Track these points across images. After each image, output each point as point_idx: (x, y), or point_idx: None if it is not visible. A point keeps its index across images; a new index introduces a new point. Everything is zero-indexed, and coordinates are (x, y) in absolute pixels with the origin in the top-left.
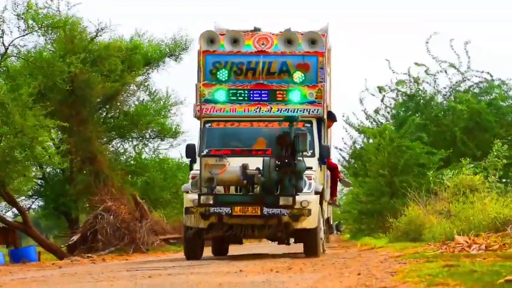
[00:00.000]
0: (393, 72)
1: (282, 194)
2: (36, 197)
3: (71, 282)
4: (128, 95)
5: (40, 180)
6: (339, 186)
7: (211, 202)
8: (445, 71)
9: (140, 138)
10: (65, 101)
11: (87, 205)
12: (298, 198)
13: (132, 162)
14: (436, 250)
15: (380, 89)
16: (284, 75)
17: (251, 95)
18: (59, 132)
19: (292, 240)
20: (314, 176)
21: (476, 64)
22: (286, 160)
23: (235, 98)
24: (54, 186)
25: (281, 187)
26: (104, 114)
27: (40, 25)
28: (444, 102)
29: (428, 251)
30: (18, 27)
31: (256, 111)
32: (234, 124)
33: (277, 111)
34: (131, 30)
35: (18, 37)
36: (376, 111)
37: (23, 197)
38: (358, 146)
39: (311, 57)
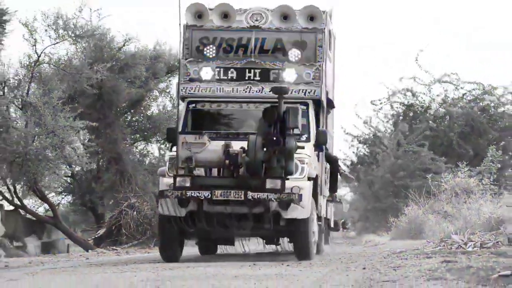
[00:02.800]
0: (387, 88)
1: (269, 176)
2: (65, 193)
3: (97, 272)
4: (151, 100)
5: (69, 178)
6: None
7: (188, 184)
8: (439, 81)
9: (162, 141)
10: (94, 105)
11: (112, 201)
12: (288, 183)
13: (154, 162)
14: (435, 247)
15: (372, 102)
16: (278, 53)
17: (241, 74)
18: (88, 134)
19: (282, 240)
20: (308, 160)
21: (469, 72)
22: (274, 138)
23: (223, 77)
24: (82, 183)
25: (268, 169)
26: (129, 117)
27: (70, 35)
28: (440, 109)
29: (427, 248)
30: (49, 36)
31: (246, 91)
32: (221, 105)
33: (270, 91)
34: (153, 38)
35: (49, 46)
36: (368, 121)
37: (53, 193)
38: (361, 153)
39: (309, 33)
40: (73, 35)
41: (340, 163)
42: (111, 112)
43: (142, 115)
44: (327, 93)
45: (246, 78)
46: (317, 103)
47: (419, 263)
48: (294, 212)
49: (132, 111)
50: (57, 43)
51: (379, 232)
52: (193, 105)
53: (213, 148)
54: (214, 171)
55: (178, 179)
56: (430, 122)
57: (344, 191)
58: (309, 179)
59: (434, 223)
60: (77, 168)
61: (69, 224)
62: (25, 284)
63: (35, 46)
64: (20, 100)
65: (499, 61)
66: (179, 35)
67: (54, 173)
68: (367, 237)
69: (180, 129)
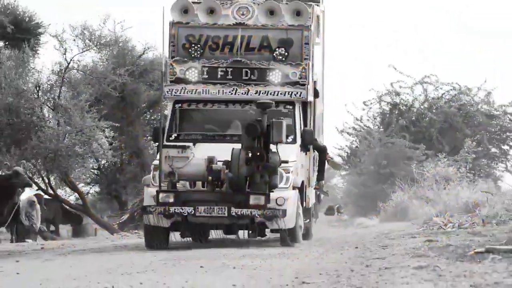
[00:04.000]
0: (375, 91)
1: (253, 192)
2: (93, 184)
3: (122, 253)
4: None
5: (96, 170)
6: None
7: (171, 200)
8: (420, 83)
9: None
10: (117, 106)
11: (134, 190)
12: (273, 195)
13: None
14: (419, 229)
15: (364, 103)
16: (264, 51)
17: (227, 74)
18: (112, 132)
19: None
20: (293, 168)
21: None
22: (258, 153)
23: (209, 77)
24: (108, 175)
25: (251, 184)
26: (148, 116)
27: (95, 44)
28: (422, 107)
29: (412, 229)
30: (77, 46)
31: (232, 93)
32: (208, 105)
33: (256, 93)
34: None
35: (77, 54)
36: (360, 118)
37: (83, 184)
38: (353, 146)
39: (295, 31)
40: (98, 44)
41: (329, 151)
42: (132, 112)
43: (159, 114)
44: (315, 83)
45: (232, 78)
46: (304, 102)
47: (405, 243)
48: (280, 223)
49: (151, 110)
50: (84, 51)
51: (369, 216)
52: (180, 105)
53: (196, 162)
54: (199, 184)
55: (161, 195)
56: (413, 118)
57: (336, 180)
58: (294, 188)
59: (417, 207)
60: (103, 162)
61: (96, 211)
62: (59, 264)
63: (65, 54)
64: (52, 102)
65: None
66: (163, 33)
67: (83, 166)
68: (359, 220)
69: (166, 130)
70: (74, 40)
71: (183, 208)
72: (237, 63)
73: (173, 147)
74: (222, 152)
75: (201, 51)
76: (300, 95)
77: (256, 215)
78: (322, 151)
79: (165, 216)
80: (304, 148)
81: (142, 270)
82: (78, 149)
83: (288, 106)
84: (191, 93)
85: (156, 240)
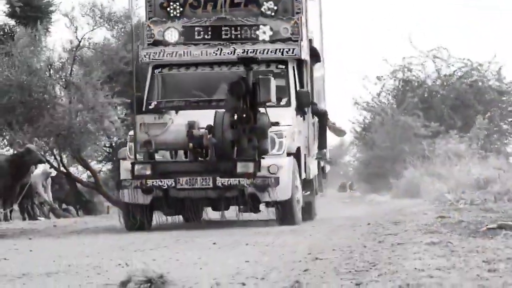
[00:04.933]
0: (390, 66)
1: (241, 159)
2: (105, 161)
3: (134, 231)
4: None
5: (108, 148)
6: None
7: (148, 172)
8: (433, 60)
9: None
10: (129, 83)
11: None
12: (265, 162)
13: None
14: (430, 205)
15: (379, 78)
16: (252, 6)
17: (211, 33)
18: (124, 109)
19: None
20: (287, 133)
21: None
22: (244, 115)
23: (190, 38)
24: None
25: (238, 151)
26: None
27: (106, 21)
28: (434, 84)
29: (424, 205)
30: (88, 23)
31: (216, 54)
32: (190, 68)
33: (243, 53)
34: None
35: (88, 32)
36: (378, 94)
37: (95, 162)
38: (366, 121)
39: None
40: (109, 21)
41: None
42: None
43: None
44: (310, 41)
45: (216, 38)
46: (299, 61)
47: (417, 219)
48: (273, 194)
49: None
50: (94, 29)
51: (381, 192)
52: (159, 70)
53: (175, 128)
54: (181, 155)
55: (137, 166)
56: (425, 95)
57: (349, 158)
58: (289, 154)
59: (429, 184)
60: (115, 139)
61: (108, 189)
62: (71, 241)
63: (76, 32)
64: (64, 80)
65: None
66: None
67: (95, 144)
68: (371, 197)
69: (145, 99)
70: (83, 16)
71: (162, 180)
72: (222, 20)
73: (149, 113)
74: (208, 119)
75: (181, 9)
76: (293, 52)
77: (245, 184)
78: (322, 116)
79: (143, 191)
80: (301, 112)
81: (154, 247)
82: (90, 126)
83: (280, 66)
84: (171, 56)
85: (135, 220)
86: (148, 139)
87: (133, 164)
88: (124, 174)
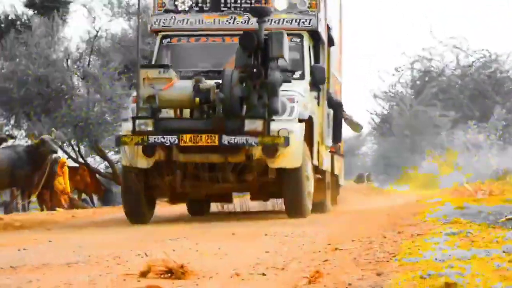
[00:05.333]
0: (407, 56)
1: (249, 115)
2: None
3: (153, 221)
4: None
5: None
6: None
7: (150, 128)
8: (451, 51)
9: None
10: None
11: None
12: (274, 125)
13: None
14: (449, 196)
15: (396, 69)
16: None
17: (224, 2)
18: None
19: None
20: (300, 99)
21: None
22: (254, 70)
23: (202, 5)
24: None
25: (247, 108)
26: None
27: (124, 12)
28: (452, 74)
29: (442, 196)
30: (106, 14)
31: (230, 22)
32: (201, 39)
33: (251, 16)
34: None
35: (106, 22)
36: (395, 85)
37: (112, 152)
38: (384, 112)
39: None
40: (127, 12)
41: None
42: None
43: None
44: (328, 27)
45: (230, 6)
46: (315, 35)
47: (436, 210)
48: (282, 160)
49: None
50: (112, 20)
51: (399, 183)
52: (168, 40)
53: (181, 84)
54: (187, 113)
55: (138, 122)
56: (444, 85)
57: (366, 148)
58: (300, 121)
59: (448, 174)
60: None
61: None
62: (90, 232)
63: (94, 23)
64: (81, 71)
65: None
66: None
67: (112, 134)
68: (389, 188)
69: None
70: (102, 9)
71: (164, 137)
72: None
73: (153, 67)
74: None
75: None
76: (309, 23)
77: (253, 143)
78: (337, 107)
79: (145, 150)
80: (315, 88)
81: (174, 237)
82: (108, 117)
83: (295, 39)
84: (182, 24)
85: (137, 207)
86: (152, 93)
87: (133, 119)
88: (124, 132)
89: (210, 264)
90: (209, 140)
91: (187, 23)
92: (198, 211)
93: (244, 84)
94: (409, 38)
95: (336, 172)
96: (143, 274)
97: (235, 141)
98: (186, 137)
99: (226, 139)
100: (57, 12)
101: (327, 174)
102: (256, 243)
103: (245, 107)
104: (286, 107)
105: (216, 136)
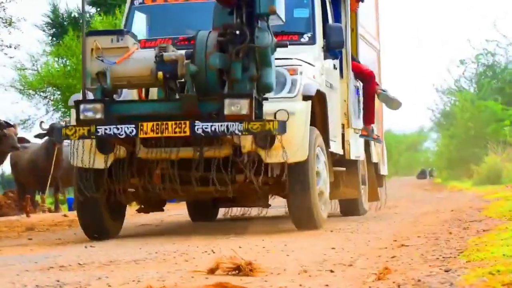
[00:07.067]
0: (473, 49)
1: (231, 94)
2: None
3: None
4: None
5: None
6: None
7: (100, 116)
8: None
9: None
10: None
11: None
12: (269, 106)
13: None
14: None
15: (462, 62)
16: None
17: None
18: None
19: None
20: (305, 69)
21: None
22: (237, 32)
23: None
24: None
25: (229, 83)
26: None
27: None
28: None
29: (506, 192)
30: None
31: None
32: None
33: None
34: None
35: None
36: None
37: None
38: (447, 108)
39: None
40: None
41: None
42: None
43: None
44: None
45: None
46: None
47: (501, 205)
48: (281, 153)
49: None
50: None
51: (462, 179)
52: (140, 0)
53: (140, 55)
54: (154, 93)
55: (83, 106)
56: (507, 80)
57: (428, 144)
58: (305, 98)
59: (511, 169)
60: None
61: None
62: (157, 228)
63: None
64: None
65: None
66: None
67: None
68: (452, 183)
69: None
70: None
71: (118, 127)
72: None
73: (103, 34)
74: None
75: None
76: None
77: (236, 131)
78: (366, 78)
79: (99, 147)
80: (332, 53)
81: (240, 233)
82: None
83: None
84: None
85: (94, 219)
86: (102, 68)
87: (77, 103)
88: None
89: (277, 261)
90: (177, 129)
91: None
92: (202, 216)
93: (224, 52)
94: (473, 30)
95: (374, 159)
96: (211, 271)
97: (212, 129)
98: (147, 126)
99: (200, 126)
100: (119, 9)
101: (359, 165)
102: (321, 240)
103: (226, 82)
104: (285, 80)
105: (187, 123)
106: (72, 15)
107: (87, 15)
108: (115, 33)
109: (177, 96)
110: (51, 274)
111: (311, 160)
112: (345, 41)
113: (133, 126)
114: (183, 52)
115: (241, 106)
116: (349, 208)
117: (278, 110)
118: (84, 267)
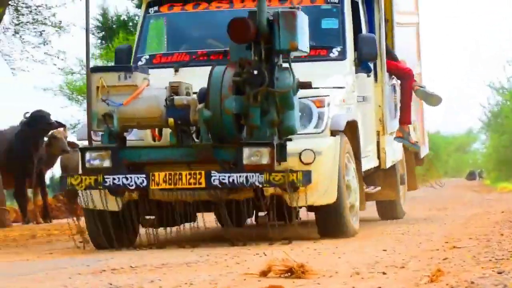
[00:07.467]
0: None
1: (250, 142)
2: None
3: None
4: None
5: None
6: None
7: (107, 164)
8: None
9: None
10: None
11: None
12: (294, 146)
13: None
14: None
15: None
16: None
17: None
18: None
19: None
20: (333, 98)
21: None
22: (255, 72)
23: None
24: None
25: (248, 129)
26: None
27: None
28: None
29: None
30: None
31: None
32: (199, 5)
33: None
34: None
35: None
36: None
37: None
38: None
39: None
40: None
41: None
42: None
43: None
44: None
45: None
46: None
47: None
48: (310, 197)
49: None
50: None
51: None
52: (155, 9)
53: (151, 94)
54: (167, 135)
55: (88, 155)
56: None
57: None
58: (333, 133)
59: None
60: None
61: None
62: (205, 232)
63: None
64: None
65: None
66: None
67: None
68: (501, 184)
69: (134, 49)
70: None
71: (128, 177)
72: None
73: (109, 70)
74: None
75: None
76: None
77: (257, 182)
78: (405, 77)
79: (110, 191)
80: (364, 66)
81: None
82: None
83: (332, 0)
84: None
85: (102, 231)
86: (109, 111)
87: (82, 151)
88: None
89: (328, 263)
90: (192, 180)
91: None
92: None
93: (241, 92)
94: None
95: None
96: (264, 274)
97: (230, 180)
98: (159, 176)
99: (216, 177)
100: None
101: (397, 166)
102: (373, 242)
103: (243, 126)
104: (311, 114)
105: (202, 174)
106: (122, 18)
107: (136, 18)
108: (123, 70)
109: (190, 142)
110: (103, 277)
111: (342, 198)
112: (380, 49)
113: (144, 176)
114: (195, 96)
115: (262, 155)
116: (387, 210)
117: (303, 150)
118: (136, 270)
